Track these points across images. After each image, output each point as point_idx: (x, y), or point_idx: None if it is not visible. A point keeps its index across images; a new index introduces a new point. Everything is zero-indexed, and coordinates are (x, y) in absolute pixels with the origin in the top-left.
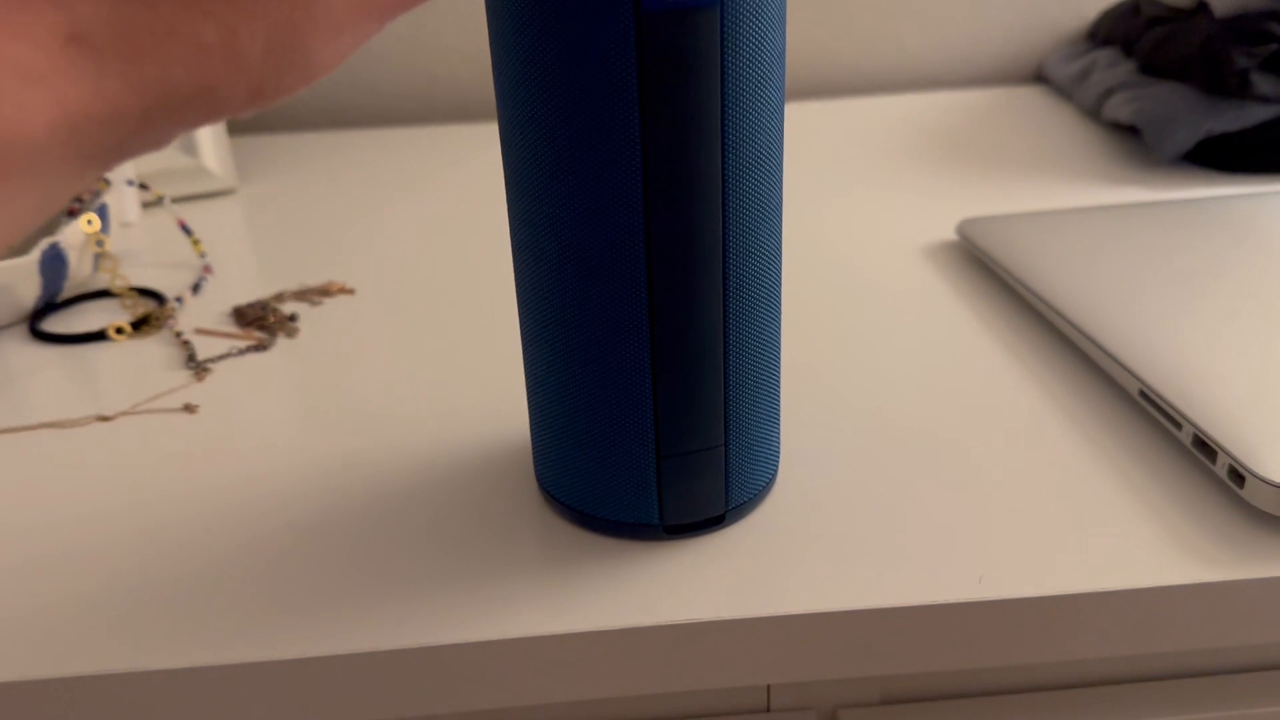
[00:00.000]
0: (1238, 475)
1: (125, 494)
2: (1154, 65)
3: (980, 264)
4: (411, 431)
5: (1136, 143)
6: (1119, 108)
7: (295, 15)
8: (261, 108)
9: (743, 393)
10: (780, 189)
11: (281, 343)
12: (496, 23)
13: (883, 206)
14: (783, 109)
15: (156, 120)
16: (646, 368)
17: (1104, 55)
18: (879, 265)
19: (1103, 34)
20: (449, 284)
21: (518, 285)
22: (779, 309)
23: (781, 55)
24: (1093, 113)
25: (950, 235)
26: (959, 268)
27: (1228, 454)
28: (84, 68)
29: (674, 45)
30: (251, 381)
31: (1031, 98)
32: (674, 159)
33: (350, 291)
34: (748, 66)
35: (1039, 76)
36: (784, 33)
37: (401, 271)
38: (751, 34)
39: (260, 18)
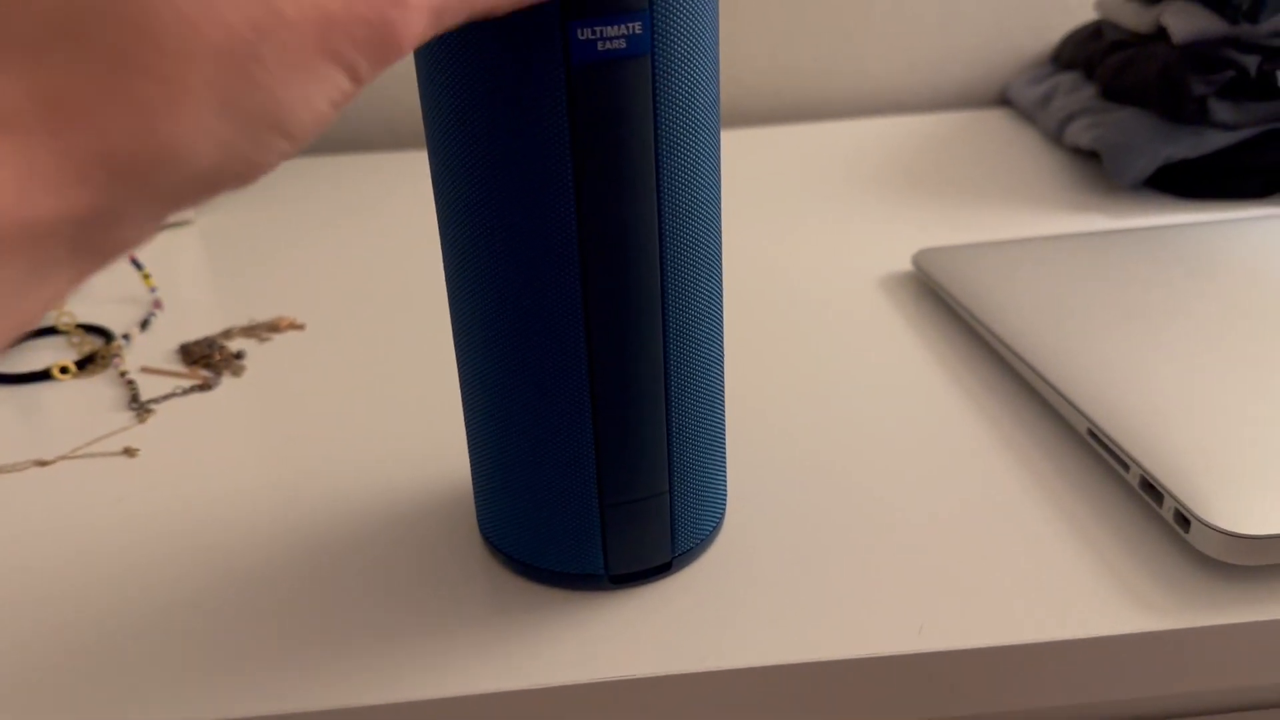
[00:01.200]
0: (1183, 519)
1: (58, 544)
2: (1114, 91)
3: (936, 296)
4: (354, 476)
5: (1098, 168)
6: (1080, 134)
7: (243, 60)
8: (246, 176)
9: (686, 438)
10: (718, 233)
11: (226, 382)
12: (426, 76)
13: (840, 235)
14: (718, 155)
15: (121, 200)
16: (587, 416)
17: (1066, 79)
18: (834, 297)
19: (1066, 58)
20: (400, 319)
21: (455, 334)
22: (721, 352)
23: (715, 101)
24: (1055, 137)
25: (908, 266)
26: (914, 300)
27: (1174, 497)
28: (8, 149)
29: (606, 97)
30: (193, 424)
31: (996, 121)
32: (609, 211)
33: (300, 327)
34: (681, 115)
35: (1004, 99)
36: (717, 79)
37: (353, 304)
38: (684, 82)
39: (203, 63)
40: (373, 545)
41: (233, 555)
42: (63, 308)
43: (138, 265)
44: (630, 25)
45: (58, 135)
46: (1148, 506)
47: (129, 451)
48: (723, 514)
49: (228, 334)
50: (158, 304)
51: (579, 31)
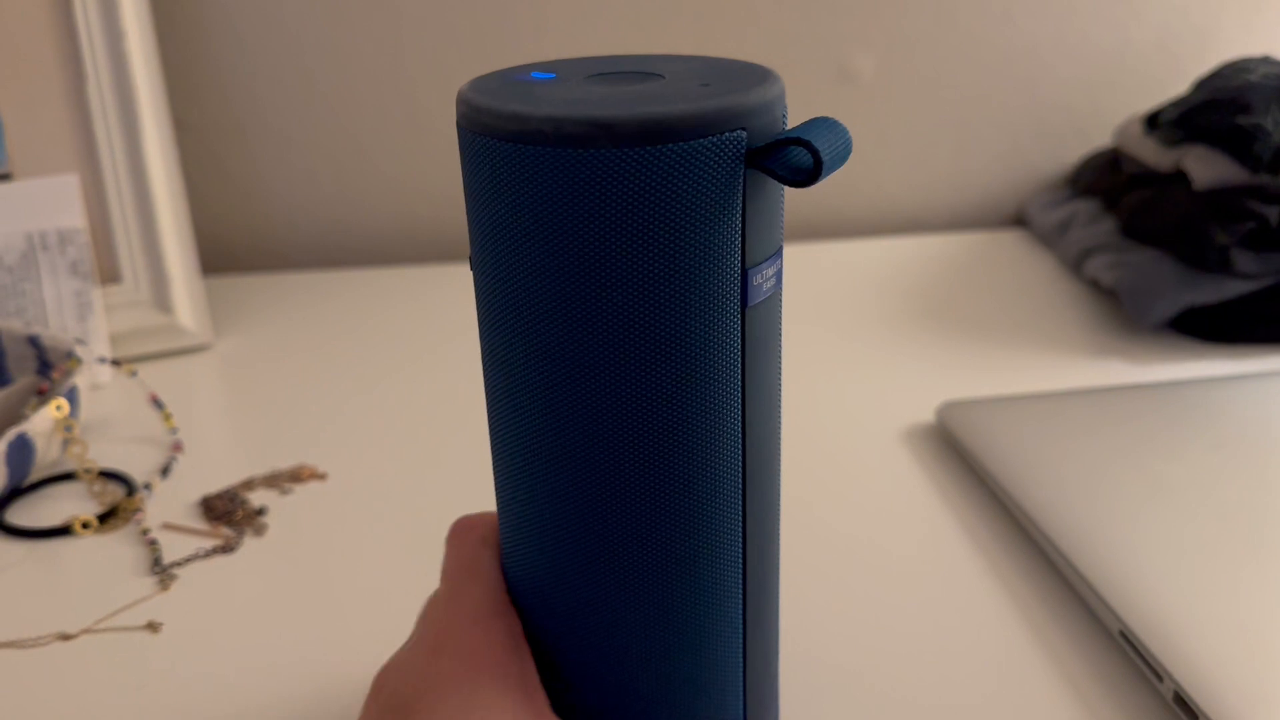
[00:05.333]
0: None
1: None
2: (1134, 230)
3: (959, 453)
4: (385, 650)
5: (1115, 304)
6: (1100, 271)
7: None
8: None
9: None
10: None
11: (249, 543)
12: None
13: (860, 376)
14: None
15: None
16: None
17: (1084, 209)
18: (855, 451)
19: (1083, 184)
20: (428, 461)
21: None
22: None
23: None
24: (1073, 267)
25: (929, 416)
26: (938, 457)
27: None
28: None
29: (763, 328)
30: (216, 591)
31: (1013, 244)
32: (761, 431)
33: (322, 477)
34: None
35: (1020, 219)
36: None
37: (378, 448)
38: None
39: None
40: None
41: None
42: (84, 454)
43: (159, 405)
44: (777, 263)
45: None
46: None
47: (152, 626)
48: None
49: (249, 485)
50: (178, 446)
51: (754, 277)
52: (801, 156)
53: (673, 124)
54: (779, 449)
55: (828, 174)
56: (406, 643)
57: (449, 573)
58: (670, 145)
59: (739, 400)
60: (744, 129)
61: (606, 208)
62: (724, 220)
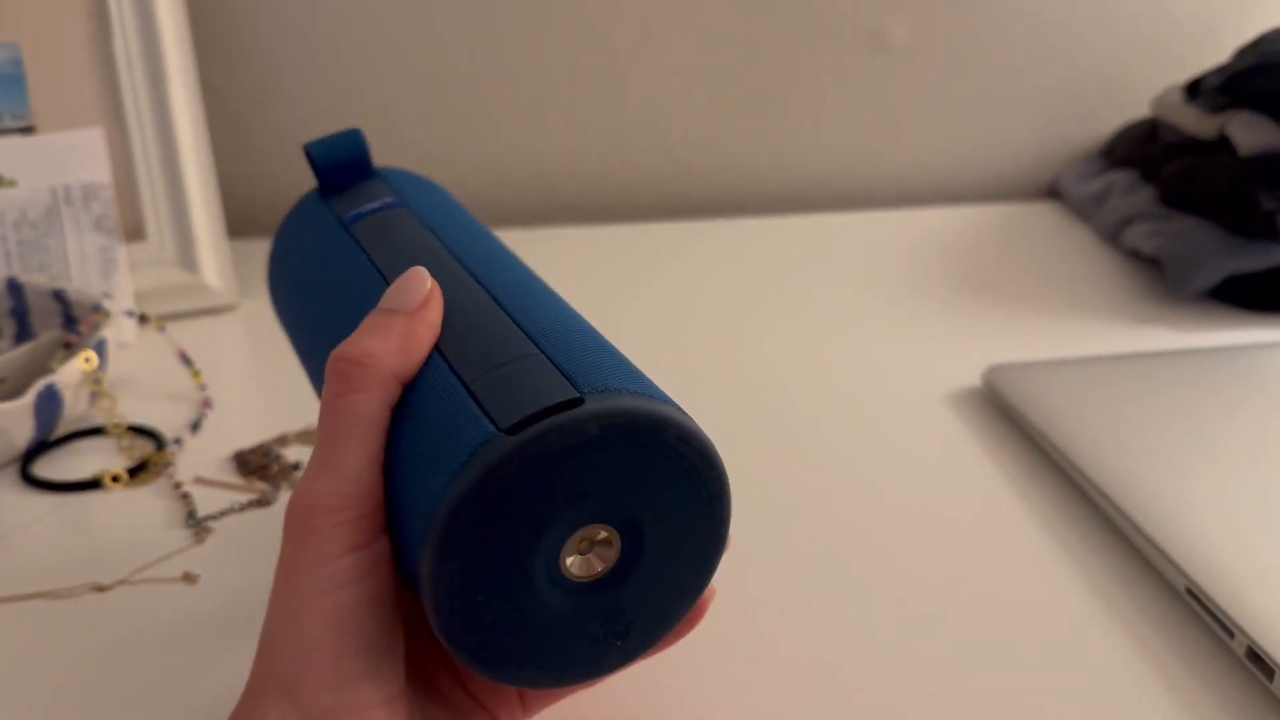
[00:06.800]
0: None
1: (120, 678)
2: (1176, 198)
3: (1006, 416)
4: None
5: (1155, 273)
6: (1141, 239)
7: None
8: None
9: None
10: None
11: (284, 496)
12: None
13: (903, 343)
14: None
15: None
16: None
17: (1121, 179)
18: (902, 415)
19: (1119, 154)
20: None
21: None
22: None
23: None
24: (1110, 237)
25: (974, 381)
26: (985, 420)
27: None
28: None
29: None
30: (253, 544)
31: (1047, 215)
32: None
33: None
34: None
35: (1053, 191)
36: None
37: None
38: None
39: None
40: None
41: None
42: (113, 407)
43: (188, 361)
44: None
45: None
46: (1257, 679)
47: (189, 578)
48: None
49: (282, 440)
50: (207, 403)
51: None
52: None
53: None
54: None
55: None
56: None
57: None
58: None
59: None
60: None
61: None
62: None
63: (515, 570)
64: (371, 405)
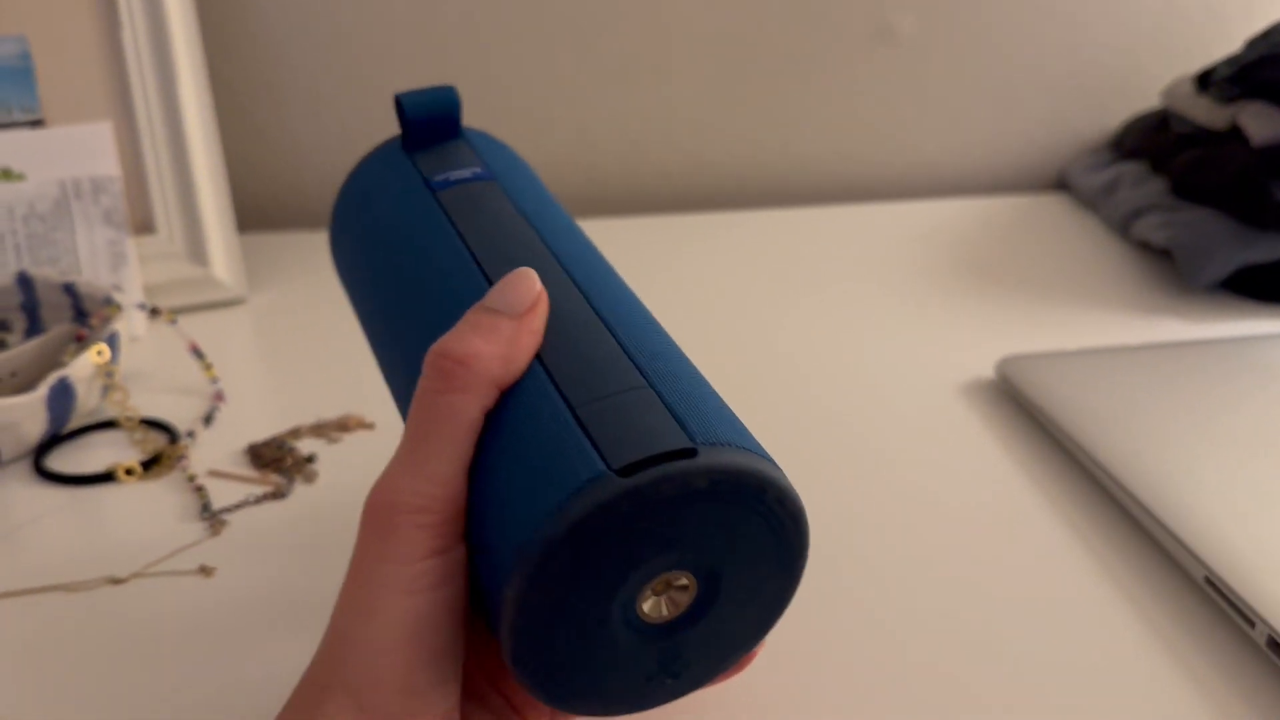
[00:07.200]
0: None
1: (136, 670)
2: (1187, 189)
3: (1020, 407)
4: None
5: (1166, 264)
6: (1151, 231)
7: None
8: None
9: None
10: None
11: (300, 489)
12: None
13: (914, 334)
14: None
15: None
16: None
17: (1130, 170)
18: (915, 406)
19: (1128, 145)
20: None
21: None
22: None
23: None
24: (1120, 229)
25: (987, 372)
26: (999, 412)
27: None
28: None
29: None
30: (269, 537)
31: (1056, 207)
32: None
33: (370, 426)
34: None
35: (1061, 183)
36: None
37: None
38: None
39: None
40: None
41: None
42: (125, 400)
43: (199, 354)
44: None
45: None
46: (1279, 667)
47: (205, 570)
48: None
49: (296, 433)
50: (220, 396)
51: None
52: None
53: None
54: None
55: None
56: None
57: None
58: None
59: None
60: None
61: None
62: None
63: (595, 606)
64: (470, 408)
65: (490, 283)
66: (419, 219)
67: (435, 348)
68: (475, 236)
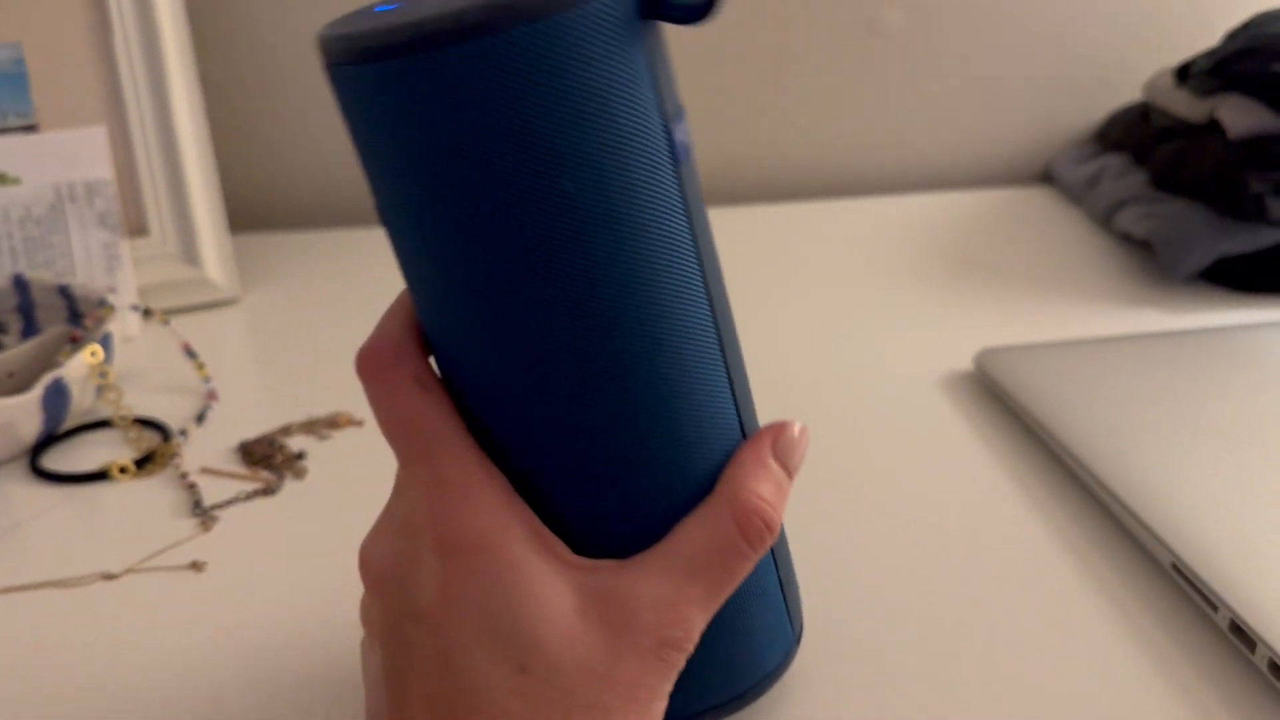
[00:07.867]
0: (1277, 668)
1: (129, 665)
2: (1167, 181)
3: (998, 399)
4: None
5: (1147, 256)
6: (1132, 223)
7: None
8: None
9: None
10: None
11: (289, 485)
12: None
13: (894, 328)
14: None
15: None
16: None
17: (1114, 163)
18: (893, 398)
19: (1112, 138)
20: None
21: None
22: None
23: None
24: (1103, 221)
25: (966, 364)
26: (977, 403)
27: (1267, 645)
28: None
29: (693, 183)
30: (260, 532)
31: (1041, 200)
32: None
33: (359, 423)
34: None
35: (1047, 176)
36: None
37: None
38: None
39: None
40: None
41: (305, 684)
42: (119, 400)
43: (192, 354)
44: (685, 122)
45: None
46: (1240, 651)
47: (196, 565)
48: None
49: (286, 431)
50: (212, 395)
51: (676, 133)
52: None
53: None
54: (724, 293)
55: (720, 8)
56: (382, 519)
57: (405, 436)
58: (575, 11)
59: (693, 247)
60: None
61: (532, 88)
62: (638, 77)
63: None
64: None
65: (720, 332)
66: (646, 179)
67: (750, 504)
68: (708, 262)
